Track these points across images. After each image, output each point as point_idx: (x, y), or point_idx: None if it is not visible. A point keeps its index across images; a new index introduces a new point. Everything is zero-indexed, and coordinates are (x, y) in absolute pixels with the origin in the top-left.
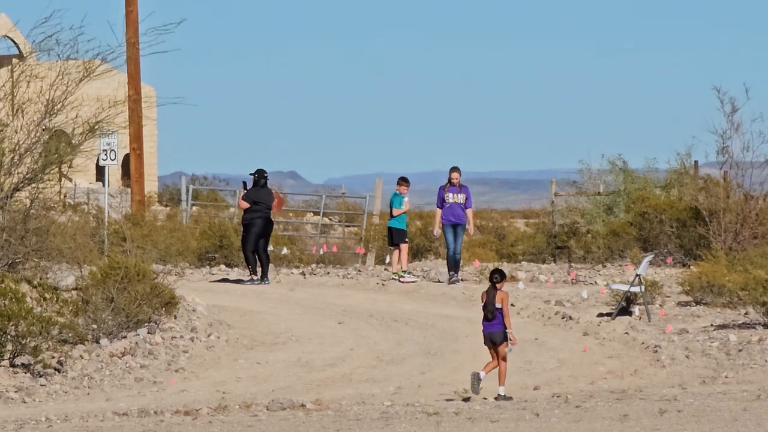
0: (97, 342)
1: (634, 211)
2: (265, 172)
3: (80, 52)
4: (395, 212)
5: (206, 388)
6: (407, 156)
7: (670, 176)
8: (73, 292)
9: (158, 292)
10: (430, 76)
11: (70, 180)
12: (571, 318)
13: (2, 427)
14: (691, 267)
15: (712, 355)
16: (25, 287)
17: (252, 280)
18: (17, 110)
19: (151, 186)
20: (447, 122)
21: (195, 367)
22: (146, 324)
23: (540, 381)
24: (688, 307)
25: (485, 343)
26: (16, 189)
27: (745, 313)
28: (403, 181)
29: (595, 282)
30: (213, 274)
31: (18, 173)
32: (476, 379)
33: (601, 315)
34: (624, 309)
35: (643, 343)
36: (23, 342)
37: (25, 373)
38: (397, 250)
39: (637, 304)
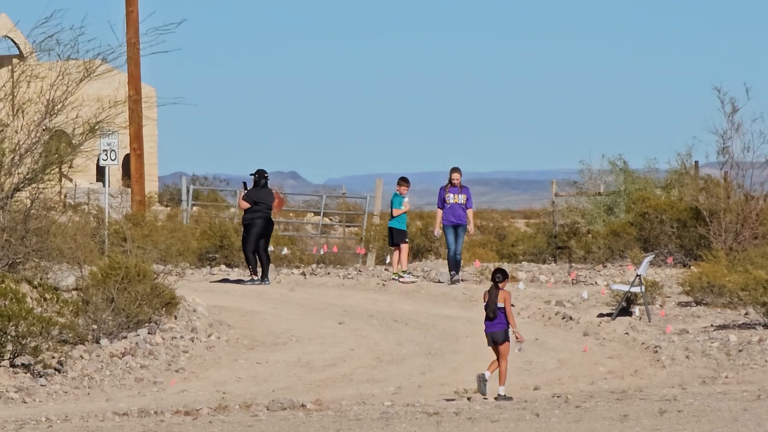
0: (98, 342)
1: (634, 212)
2: (265, 172)
3: (81, 52)
4: (395, 212)
5: (206, 389)
6: (407, 156)
7: (670, 176)
8: (74, 292)
9: (158, 292)
10: (430, 76)
11: (71, 180)
12: (571, 318)
13: (2, 428)
14: (692, 267)
15: (713, 355)
16: (25, 287)
17: (252, 280)
18: (18, 110)
19: (151, 186)
20: (447, 122)
21: (195, 368)
22: (146, 324)
23: (540, 381)
24: (689, 307)
25: (488, 344)
26: (17, 189)
27: (746, 314)
28: (403, 181)
29: (596, 282)
30: (213, 274)
31: (18, 173)
32: (482, 380)
33: (601, 315)
34: (624, 309)
35: (643, 343)
36: (23, 342)
37: (26, 373)
38: (398, 251)
39: (638, 304)
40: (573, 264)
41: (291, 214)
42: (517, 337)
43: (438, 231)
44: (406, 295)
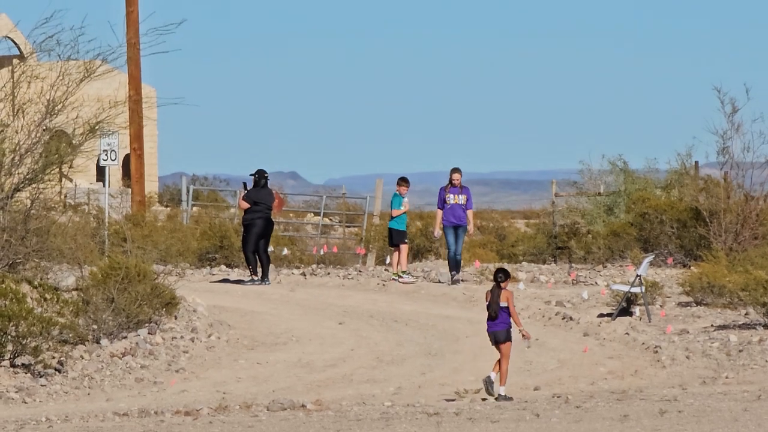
0: (98, 342)
1: (634, 212)
2: (265, 172)
3: (81, 52)
4: (394, 213)
5: (207, 389)
6: (408, 156)
7: (670, 177)
8: (74, 292)
9: (159, 292)
10: (430, 76)
11: (71, 180)
12: (571, 318)
13: (3, 428)
14: (692, 267)
15: (713, 355)
16: (25, 288)
17: (252, 280)
18: (18, 111)
19: (151, 186)
20: (447, 123)
21: (195, 368)
22: (147, 324)
23: (540, 381)
24: (689, 307)
25: (492, 343)
26: (17, 189)
27: (746, 314)
28: (403, 181)
29: (596, 282)
30: (213, 274)
31: (18, 173)
32: (489, 383)
33: (601, 315)
34: (624, 309)
35: (643, 343)
36: (24, 342)
37: (26, 373)
38: (397, 251)
39: (638, 304)
40: (573, 264)
41: (291, 215)
42: (523, 335)
43: (438, 232)
44: (406, 295)
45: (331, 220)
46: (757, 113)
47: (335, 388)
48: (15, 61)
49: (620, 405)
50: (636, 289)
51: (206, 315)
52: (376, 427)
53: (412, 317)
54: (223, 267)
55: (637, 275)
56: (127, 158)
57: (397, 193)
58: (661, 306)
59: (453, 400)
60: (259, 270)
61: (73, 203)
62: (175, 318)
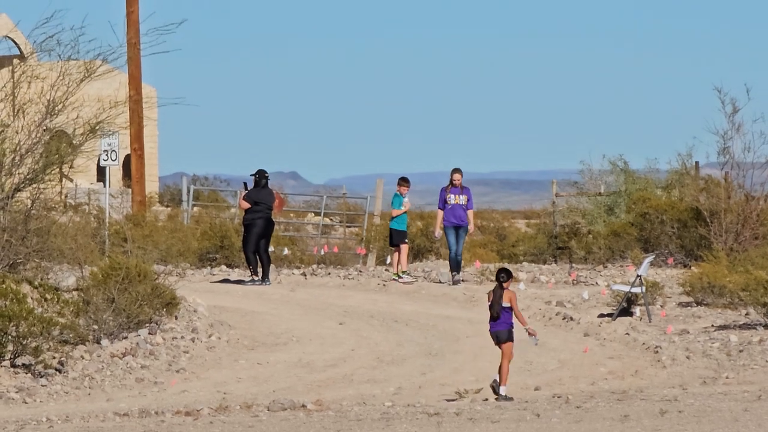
0: (98, 342)
1: (635, 212)
2: (266, 172)
3: (81, 52)
4: (394, 213)
5: (207, 389)
6: (408, 156)
7: (671, 177)
8: (74, 292)
9: (159, 292)
10: (431, 76)
11: (71, 180)
12: (572, 319)
13: (3, 428)
14: (692, 268)
15: (713, 355)
16: (26, 288)
17: (253, 280)
18: (18, 111)
19: (152, 186)
20: (448, 123)
21: (196, 368)
22: (147, 324)
23: (541, 381)
24: (689, 307)
25: (495, 343)
26: (17, 189)
27: (746, 314)
28: (404, 181)
29: (596, 283)
30: (214, 274)
31: (19, 174)
32: (497, 384)
33: (602, 316)
34: (625, 310)
35: (643, 343)
36: (24, 342)
37: (26, 373)
38: (398, 252)
39: (638, 304)
40: (573, 264)
41: (291, 215)
42: (530, 333)
43: (439, 232)
44: (407, 295)
45: (331, 220)
46: (758, 113)
47: (336, 389)
48: (15, 61)
49: (621, 405)
50: (636, 290)
51: (207, 315)
52: (376, 428)
53: (412, 317)
54: (224, 267)
55: (638, 275)
56: (127, 158)
57: (398, 193)
58: (661, 306)
59: (453, 401)
60: (260, 270)
61: (73, 203)
62: (176, 318)
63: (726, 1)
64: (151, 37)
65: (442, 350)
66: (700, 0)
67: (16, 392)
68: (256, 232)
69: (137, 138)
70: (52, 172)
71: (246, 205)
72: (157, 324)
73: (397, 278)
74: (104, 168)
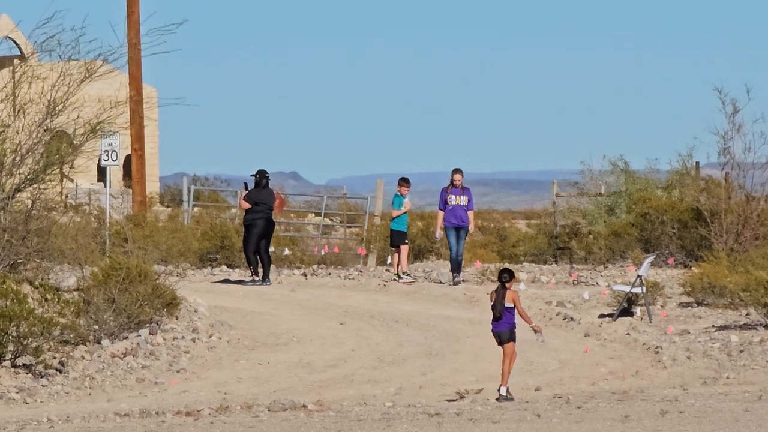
0: (99, 343)
1: (635, 212)
2: (266, 172)
3: (82, 52)
4: (394, 213)
5: (208, 389)
6: (409, 156)
7: (671, 177)
8: (75, 292)
9: (160, 292)
10: (431, 77)
11: (72, 181)
12: (572, 319)
13: (4, 428)
14: (693, 268)
15: (714, 356)
16: (26, 288)
17: (253, 280)
18: (19, 111)
19: (152, 187)
20: (448, 123)
21: (196, 368)
22: (148, 325)
23: (541, 382)
24: (690, 308)
25: (498, 344)
26: (18, 190)
27: (747, 314)
28: (404, 181)
29: (597, 283)
30: (214, 274)
31: (19, 174)
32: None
33: (602, 316)
34: (625, 310)
35: (644, 344)
36: (25, 343)
37: (27, 373)
38: (398, 252)
39: (639, 305)
40: (574, 265)
41: (292, 215)
42: (535, 330)
43: (439, 233)
44: (407, 295)
45: (332, 220)
46: (758, 113)
47: (336, 389)
48: (16, 61)
49: (621, 405)
50: (637, 290)
51: (207, 315)
52: (377, 428)
53: (413, 318)
54: (224, 267)
55: (638, 276)
56: (128, 159)
57: (398, 193)
58: (662, 306)
59: (454, 401)
60: (260, 270)
61: (74, 203)
62: (176, 318)
63: (726, 1)
64: (152, 38)
65: (442, 350)
66: (700, 0)
67: (17, 392)
68: (257, 233)
69: (138, 138)
70: (53, 172)
71: (246, 205)
72: (157, 324)
73: (397, 278)
74: (105, 168)
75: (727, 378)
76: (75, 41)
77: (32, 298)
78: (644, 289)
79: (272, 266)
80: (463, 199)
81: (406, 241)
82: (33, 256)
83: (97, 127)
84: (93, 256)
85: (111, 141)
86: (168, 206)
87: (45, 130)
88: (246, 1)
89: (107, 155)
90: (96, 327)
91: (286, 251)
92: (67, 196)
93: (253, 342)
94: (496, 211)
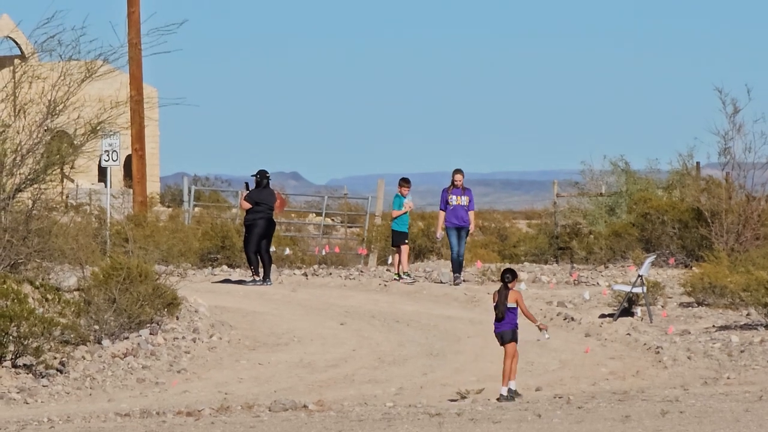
0: (99, 343)
1: (636, 212)
2: (267, 172)
3: (82, 52)
4: (394, 214)
5: (208, 389)
6: (409, 156)
7: (672, 177)
8: (75, 292)
9: (160, 293)
10: (432, 77)
11: (72, 181)
12: (573, 319)
13: (5, 428)
14: (693, 268)
15: (714, 356)
16: (27, 288)
17: (254, 280)
18: (19, 111)
19: (153, 187)
20: (449, 123)
21: (197, 368)
22: (148, 325)
23: (542, 382)
24: (690, 308)
25: (500, 344)
26: (18, 190)
27: (747, 314)
28: (404, 182)
29: (597, 283)
30: (215, 275)
31: (20, 174)
32: (510, 390)
33: (603, 316)
34: (626, 310)
35: (645, 344)
36: (25, 343)
37: (27, 373)
38: (398, 252)
39: (639, 305)
40: (575, 265)
41: (293, 215)
42: (540, 328)
43: (440, 233)
44: (408, 295)
45: (332, 220)
46: (759, 114)
47: (337, 389)
48: (16, 61)
49: (622, 406)
50: (637, 290)
51: (208, 315)
52: (377, 428)
53: (413, 318)
54: (225, 267)
55: (639, 276)
56: (128, 159)
57: (399, 193)
58: (662, 306)
59: (455, 401)
60: (261, 270)
61: (74, 204)
62: (177, 318)
63: (726, 1)
64: (152, 38)
65: (443, 350)
66: (700, 0)
67: (18, 393)
68: (258, 233)
69: (138, 138)
70: (53, 172)
71: (247, 205)
72: (158, 324)
73: (398, 278)
74: (105, 168)
75: (728, 378)
76: (75, 41)
77: (33, 299)
78: (645, 289)
79: (273, 266)
80: (464, 200)
81: (407, 241)
82: (34, 256)
83: (98, 127)
84: (94, 256)
85: (111, 141)
86: (169, 206)
87: (45, 130)
88: (246, 1)
89: (108, 155)
90: (97, 327)
91: (287, 251)
92: (67, 197)
93: (253, 342)
94: (496, 211)
